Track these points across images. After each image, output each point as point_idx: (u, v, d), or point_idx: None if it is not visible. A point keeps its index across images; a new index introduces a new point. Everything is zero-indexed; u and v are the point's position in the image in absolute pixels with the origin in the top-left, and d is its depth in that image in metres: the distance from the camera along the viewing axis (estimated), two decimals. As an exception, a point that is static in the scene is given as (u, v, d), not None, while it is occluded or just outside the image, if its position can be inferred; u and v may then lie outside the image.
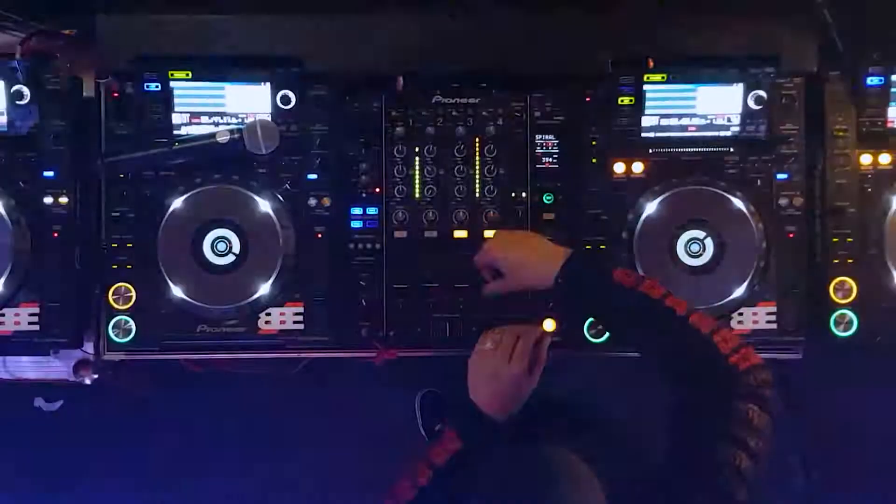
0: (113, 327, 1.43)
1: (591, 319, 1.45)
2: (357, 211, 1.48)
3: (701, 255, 1.45)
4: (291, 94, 1.45)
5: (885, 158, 1.50)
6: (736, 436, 1.00)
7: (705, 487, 0.98)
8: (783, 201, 1.49)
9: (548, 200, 1.49)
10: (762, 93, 1.45)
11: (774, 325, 1.47)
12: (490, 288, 1.38)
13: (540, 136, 1.49)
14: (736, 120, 1.48)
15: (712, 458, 0.99)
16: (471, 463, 1.22)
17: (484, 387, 1.29)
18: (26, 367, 1.58)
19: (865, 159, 1.50)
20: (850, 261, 1.48)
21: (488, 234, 1.47)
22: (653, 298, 1.17)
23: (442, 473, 1.22)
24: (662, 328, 1.16)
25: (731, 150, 1.48)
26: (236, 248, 1.42)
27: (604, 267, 1.24)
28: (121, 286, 1.43)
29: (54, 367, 1.55)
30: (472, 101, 1.48)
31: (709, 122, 1.49)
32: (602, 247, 1.47)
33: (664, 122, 1.49)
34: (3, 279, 1.41)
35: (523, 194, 1.49)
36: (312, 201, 1.45)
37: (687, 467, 1.02)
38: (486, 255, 1.36)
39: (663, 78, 1.46)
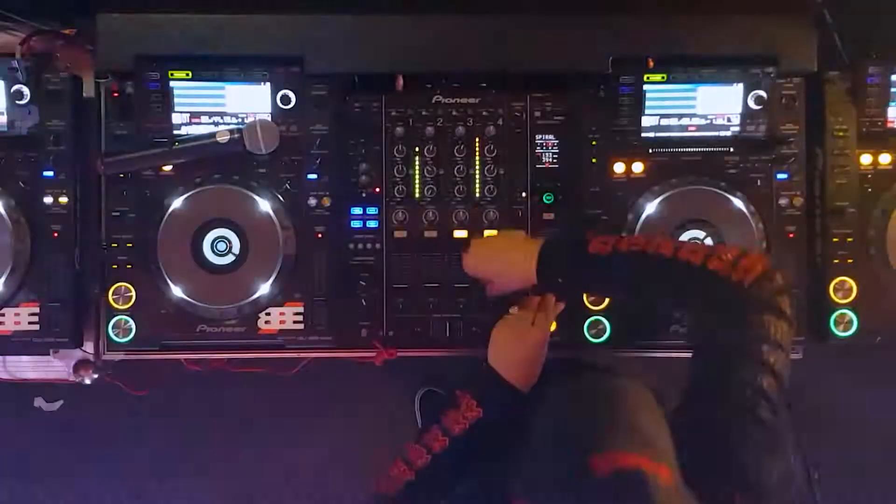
0: (113, 327, 1.43)
1: (591, 319, 1.45)
2: (357, 211, 1.48)
3: (701, 255, 1.44)
4: (291, 94, 1.45)
5: (885, 158, 1.50)
6: (754, 353, 0.95)
7: (729, 408, 0.94)
8: (783, 201, 1.49)
9: (548, 200, 1.48)
10: (762, 93, 1.45)
11: (774, 325, 1.47)
12: (490, 291, 1.38)
13: (540, 136, 1.49)
14: (736, 120, 1.48)
15: (733, 379, 0.95)
16: (488, 433, 1.19)
17: (507, 352, 1.25)
18: (26, 367, 1.57)
19: (865, 159, 1.50)
20: (850, 261, 1.48)
21: (488, 234, 1.46)
22: (635, 252, 1.12)
23: (458, 442, 1.18)
24: (656, 276, 1.11)
25: (731, 150, 1.48)
26: (236, 248, 1.42)
27: (578, 244, 1.19)
28: (121, 286, 1.44)
29: (54, 367, 1.55)
30: (472, 101, 1.48)
31: (709, 122, 1.49)
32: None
33: (664, 122, 1.49)
34: (3, 279, 1.41)
35: (523, 194, 1.49)
36: (312, 201, 1.45)
37: (709, 390, 0.97)
38: (468, 271, 1.35)
39: (663, 78, 1.46)
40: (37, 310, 1.43)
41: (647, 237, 1.15)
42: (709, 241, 1.43)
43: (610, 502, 0.76)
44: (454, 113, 1.48)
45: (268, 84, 1.45)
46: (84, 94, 1.48)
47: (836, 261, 1.48)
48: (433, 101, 1.48)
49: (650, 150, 1.48)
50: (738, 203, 1.45)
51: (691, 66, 1.46)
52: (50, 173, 1.43)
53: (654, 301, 1.18)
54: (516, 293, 1.32)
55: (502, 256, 1.29)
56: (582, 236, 1.20)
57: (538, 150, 1.49)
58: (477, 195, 1.49)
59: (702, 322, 1.05)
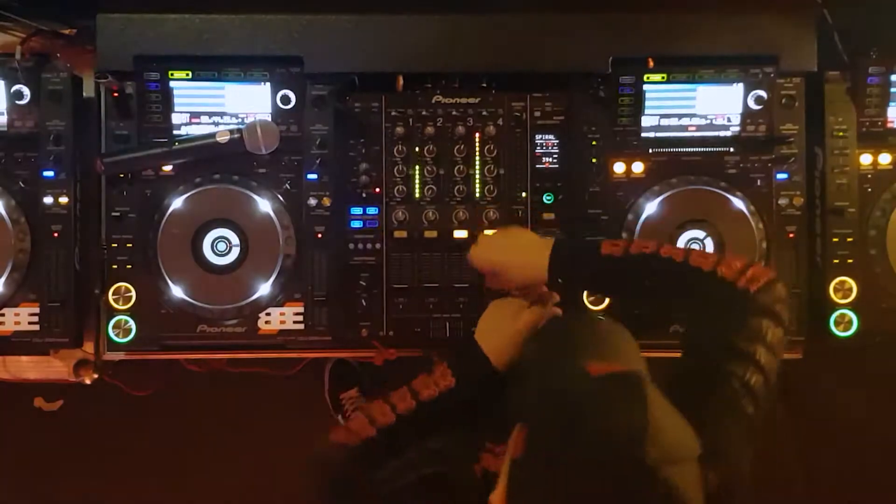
0: (113, 327, 1.43)
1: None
2: (357, 211, 1.47)
3: (701, 255, 1.44)
4: (291, 94, 1.45)
5: (885, 158, 1.50)
6: (746, 350, 1.00)
7: (716, 396, 0.99)
8: (783, 201, 1.49)
9: (548, 200, 1.49)
10: (762, 93, 1.46)
11: (774, 325, 1.47)
12: (489, 284, 1.38)
13: (540, 136, 1.49)
14: (736, 120, 1.48)
15: (721, 370, 1.00)
16: (455, 404, 1.18)
17: (496, 328, 1.24)
18: (26, 367, 1.58)
19: (865, 159, 1.50)
20: (850, 261, 1.48)
21: (488, 234, 1.47)
22: (647, 255, 1.16)
23: (425, 406, 1.16)
24: (665, 280, 1.15)
25: (731, 150, 1.48)
26: (236, 248, 1.42)
27: (590, 245, 1.22)
28: (121, 286, 1.44)
29: (54, 367, 1.55)
30: (472, 101, 1.48)
31: (709, 122, 1.49)
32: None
33: (664, 122, 1.49)
34: (3, 279, 1.41)
35: (523, 194, 1.49)
36: (312, 201, 1.45)
37: (699, 379, 1.02)
38: (474, 263, 1.35)
39: (663, 78, 1.46)
40: (37, 310, 1.43)
41: (657, 242, 1.18)
42: (709, 241, 1.44)
43: (606, 396, 0.82)
44: (454, 113, 1.48)
45: (268, 84, 1.45)
46: (84, 94, 1.48)
47: (836, 261, 1.48)
48: (433, 101, 1.48)
49: (650, 150, 1.48)
50: (738, 203, 1.45)
51: (691, 66, 1.46)
52: (50, 173, 1.43)
53: (660, 304, 1.21)
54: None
55: (513, 252, 1.29)
56: (590, 237, 1.26)
57: (538, 150, 1.49)
58: (477, 195, 1.49)
59: (702, 322, 1.09)
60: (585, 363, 0.86)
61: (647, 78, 1.46)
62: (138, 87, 1.44)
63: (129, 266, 1.44)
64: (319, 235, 1.45)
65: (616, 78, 1.46)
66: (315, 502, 1.16)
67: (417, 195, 1.48)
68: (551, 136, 1.49)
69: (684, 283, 1.13)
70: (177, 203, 1.42)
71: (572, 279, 1.25)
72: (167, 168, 1.45)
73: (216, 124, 1.46)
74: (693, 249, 1.14)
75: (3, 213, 1.41)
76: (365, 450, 1.14)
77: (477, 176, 1.49)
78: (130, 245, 1.44)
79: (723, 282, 1.07)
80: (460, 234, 1.48)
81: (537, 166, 1.49)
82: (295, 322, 1.45)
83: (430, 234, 1.48)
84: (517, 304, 1.29)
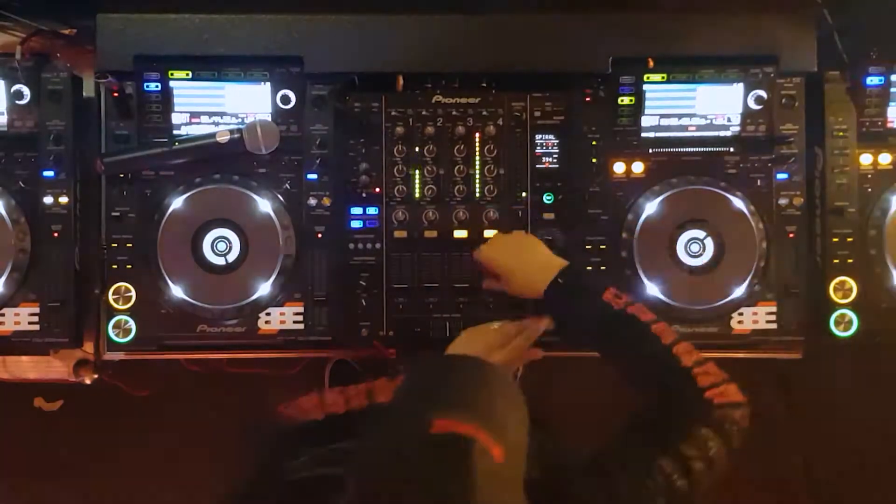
0: (113, 327, 1.43)
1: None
2: (357, 211, 1.47)
3: (701, 255, 1.45)
4: (291, 94, 1.45)
5: (885, 158, 1.50)
6: (684, 454, 0.99)
7: (632, 482, 0.97)
8: (783, 201, 1.49)
9: (548, 200, 1.49)
10: (762, 93, 1.46)
11: (774, 325, 1.47)
12: (486, 284, 1.38)
13: (540, 136, 1.49)
14: (736, 120, 1.48)
15: (651, 464, 0.97)
16: None
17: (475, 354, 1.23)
18: (26, 367, 1.58)
19: (865, 159, 1.50)
20: (850, 261, 1.48)
21: (488, 234, 1.47)
22: (640, 322, 1.16)
23: (376, 410, 1.15)
24: (645, 352, 1.15)
25: (731, 150, 1.48)
26: (236, 248, 1.42)
27: (594, 284, 1.22)
28: (121, 286, 1.44)
29: (54, 367, 1.55)
30: (472, 101, 1.48)
31: (709, 122, 1.49)
32: (602, 247, 1.47)
33: (664, 122, 1.49)
34: (3, 279, 1.41)
35: (523, 194, 1.49)
36: (312, 201, 1.45)
37: (625, 461, 1.00)
38: (480, 259, 1.35)
39: (663, 78, 1.47)
40: (37, 310, 1.43)
41: (656, 317, 1.17)
42: (709, 241, 1.44)
43: (431, 458, 0.77)
44: (454, 113, 1.48)
45: (268, 84, 1.45)
46: (84, 94, 1.48)
47: (836, 261, 1.48)
48: (433, 101, 1.48)
49: (650, 150, 1.48)
50: (738, 203, 1.45)
51: (691, 66, 1.46)
52: (50, 173, 1.43)
53: (627, 373, 1.20)
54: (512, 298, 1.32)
55: (522, 260, 1.29)
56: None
57: (538, 150, 1.49)
58: (477, 195, 1.49)
59: (656, 409, 1.08)
60: (436, 414, 0.80)
61: (647, 78, 1.46)
62: (138, 88, 1.44)
63: (129, 266, 1.44)
64: (319, 235, 1.45)
65: (616, 78, 1.46)
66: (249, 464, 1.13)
67: (417, 195, 1.48)
68: (551, 136, 1.49)
69: (658, 366, 1.12)
70: (177, 203, 1.42)
71: (563, 309, 1.25)
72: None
73: (216, 124, 1.46)
74: (682, 340, 1.13)
75: (3, 213, 1.41)
76: (306, 431, 1.14)
77: (477, 176, 1.49)
78: (130, 245, 1.44)
79: (693, 383, 1.07)
80: (460, 234, 1.48)
81: (537, 166, 1.49)
82: (295, 322, 1.45)
83: (430, 234, 1.48)
84: (500, 333, 1.28)
